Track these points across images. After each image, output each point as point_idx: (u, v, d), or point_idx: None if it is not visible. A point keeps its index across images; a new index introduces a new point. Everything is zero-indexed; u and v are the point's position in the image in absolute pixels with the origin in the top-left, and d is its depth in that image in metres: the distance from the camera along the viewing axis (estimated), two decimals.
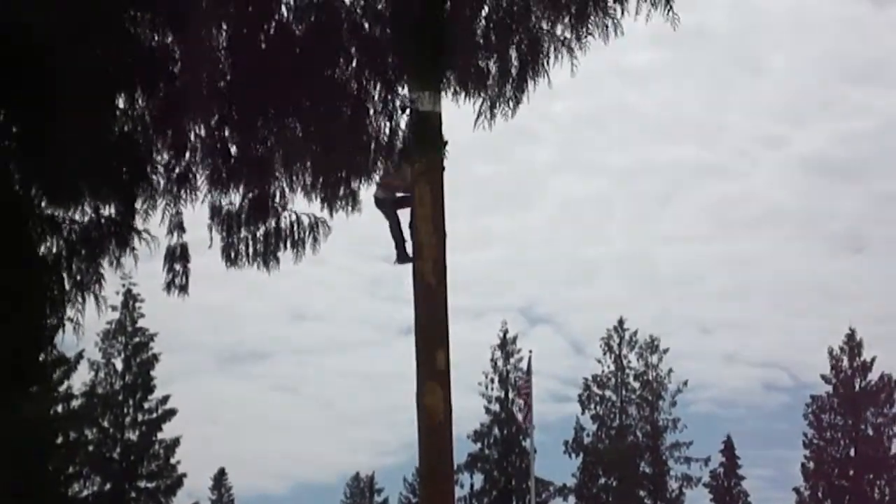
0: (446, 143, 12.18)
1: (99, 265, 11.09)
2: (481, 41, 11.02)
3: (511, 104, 11.29)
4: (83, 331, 11.02)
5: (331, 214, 11.67)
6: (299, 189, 11.53)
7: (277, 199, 11.63)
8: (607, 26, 11.10)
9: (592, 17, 11.04)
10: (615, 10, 11.06)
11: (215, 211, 11.56)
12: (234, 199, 11.56)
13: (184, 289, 11.79)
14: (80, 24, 9.23)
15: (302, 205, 11.69)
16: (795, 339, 79.56)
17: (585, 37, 11.11)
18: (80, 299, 10.99)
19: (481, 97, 11.25)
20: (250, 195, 11.57)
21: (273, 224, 11.67)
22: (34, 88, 9.70)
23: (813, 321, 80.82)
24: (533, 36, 11.06)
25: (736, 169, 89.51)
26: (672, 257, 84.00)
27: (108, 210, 11.04)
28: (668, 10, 10.99)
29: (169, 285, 11.79)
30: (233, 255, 11.69)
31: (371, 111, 11.09)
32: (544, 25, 11.11)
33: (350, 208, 11.70)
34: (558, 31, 11.15)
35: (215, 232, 11.64)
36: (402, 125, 11.23)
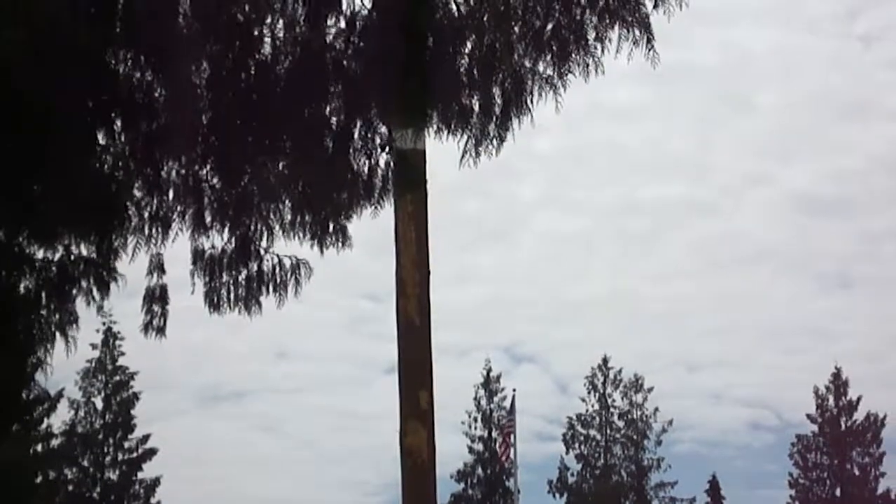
0: (427, 180, 12.15)
1: (75, 305, 11.01)
2: (464, 79, 10.99)
3: (495, 142, 11.26)
4: (52, 371, 10.93)
5: (321, 252, 11.63)
6: (285, 227, 11.48)
7: (260, 241, 11.58)
8: (588, 64, 11.10)
9: (574, 56, 11.04)
10: (596, 48, 11.07)
11: (197, 255, 11.50)
12: (216, 240, 11.50)
13: (161, 331, 11.71)
14: (60, 59, 9.17)
15: (291, 242, 11.65)
16: (782, 377, 79.46)
17: (567, 74, 11.11)
18: (58, 338, 10.92)
19: (465, 135, 11.22)
20: (232, 236, 11.51)
21: (255, 267, 11.60)
22: (12, 124, 9.63)
23: (799, 360, 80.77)
24: (516, 74, 11.04)
25: (723, 206, 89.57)
26: (658, 295, 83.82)
27: (87, 249, 10.97)
28: (650, 50, 11.01)
29: (147, 326, 11.71)
30: (215, 299, 11.62)
31: (354, 149, 11.05)
32: (527, 63, 11.09)
33: (340, 244, 11.66)
34: (541, 69, 11.14)
35: (197, 277, 11.57)
36: (386, 163, 11.19)
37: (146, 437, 52.49)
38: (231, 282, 11.64)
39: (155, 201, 11.21)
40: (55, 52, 8.92)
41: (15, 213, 10.49)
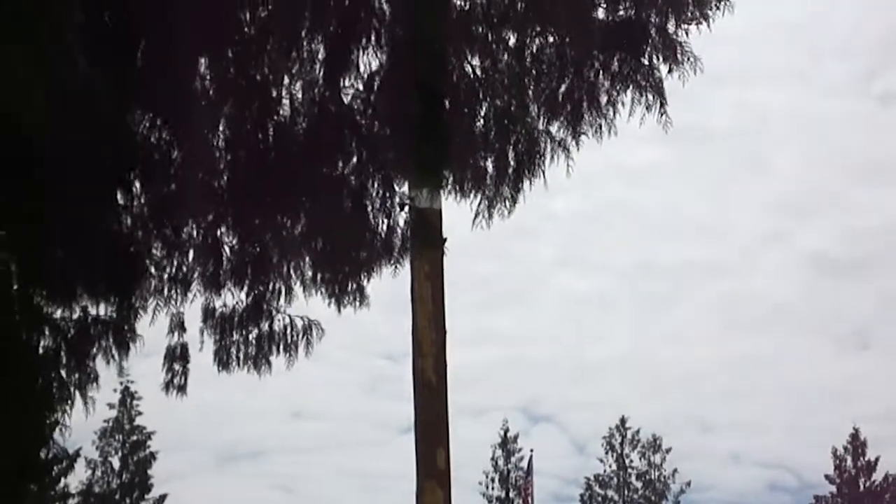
0: (445, 240, 12.20)
1: (94, 364, 11.04)
2: (479, 140, 11.06)
3: (508, 203, 11.31)
4: (81, 430, 10.95)
5: (339, 310, 11.65)
6: (306, 284, 11.52)
7: (278, 300, 11.61)
8: (601, 126, 11.15)
9: (587, 118, 11.09)
10: (609, 110, 11.12)
11: (208, 313, 11.54)
12: (229, 300, 11.54)
13: (182, 389, 11.74)
14: (78, 119, 9.25)
15: (310, 300, 11.68)
16: (800, 438, 78.97)
17: (579, 136, 11.16)
18: (76, 398, 10.95)
19: (479, 196, 11.27)
20: (248, 296, 11.55)
21: (266, 327, 11.63)
22: (31, 184, 9.70)
23: (817, 420, 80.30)
24: (530, 136, 11.10)
25: (740, 267, 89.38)
26: (675, 356, 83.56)
27: (105, 309, 11.01)
28: (662, 114, 11.06)
29: (168, 385, 11.73)
30: (225, 358, 11.64)
31: (371, 208, 11.10)
32: (540, 125, 11.15)
33: (358, 303, 11.68)
34: (554, 131, 11.20)
35: (207, 335, 11.61)
36: (403, 222, 11.24)
37: (163, 497, 52.45)
38: (241, 341, 11.66)
39: (174, 261, 11.26)
40: (75, 114, 9.00)
41: (34, 273, 10.54)
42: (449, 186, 11.30)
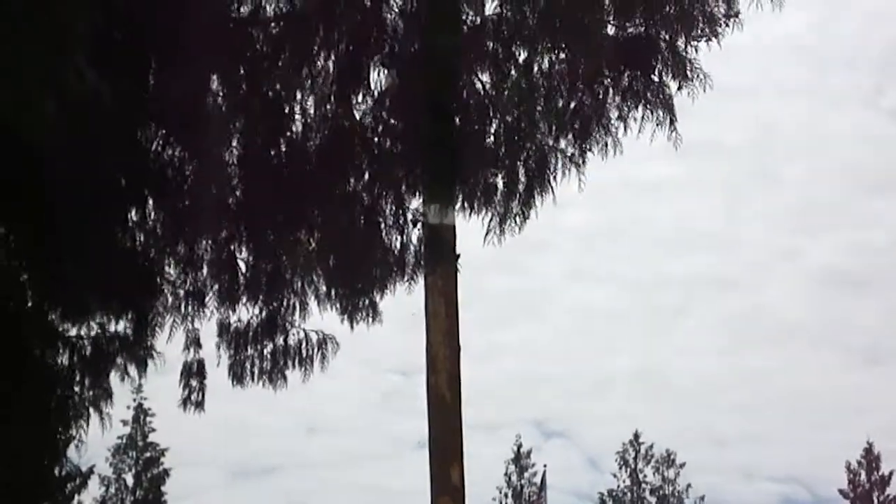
0: (458, 255, 12.19)
1: (108, 381, 11.06)
2: (489, 157, 11.06)
3: (518, 220, 11.30)
4: (95, 447, 10.97)
5: (351, 327, 11.64)
6: (321, 299, 11.52)
7: (290, 315, 11.61)
8: (608, 143, 11.16)
9: (595, 134, 11.09)
10: (617, 127, 11.12)
11: (223, 328, 11.54)
12: (244, 315, 11.54)
13: (200, 405, 11.74)
14: (91, 138, 9.29)
15: (322, 318, 11.68)
16: (813, 453, 78.70)
17: (587, 152, 11.16)
18: (89, 414, 10.96)
19: (489, 212, 11.27)
20: (262, 311, 11.55)
21: (281, 342, 11.62)
22: (46, 203, 9.73)
23: (830, 435, 79.96)
24: (539, 152, 11.10)
25: (750, 281, 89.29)
26: (687, 370, 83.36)
27: (119, 326, 11.04)
28: (672, 131, 11.06)
29: (185, 401, 11.73)
30: (239, 372, 11.64)
31: (384, 224, 11.11)
32: (550, 141, 11.14)
33: (371, 319, 11.67)
34: (563, 147, 11.19)
35: (222, 350, 11.60)
36: (416, 238, 11.24)
37: None
38: (256, 355, 11.65)
39: (187, 278, 11.27)
40: (88, 133, 9.03)
41: (48, 290, 10.57)
42: (460, 202, 11.30)
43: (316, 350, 11.68)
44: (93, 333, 10.97)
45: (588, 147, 11.14)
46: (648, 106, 11.03)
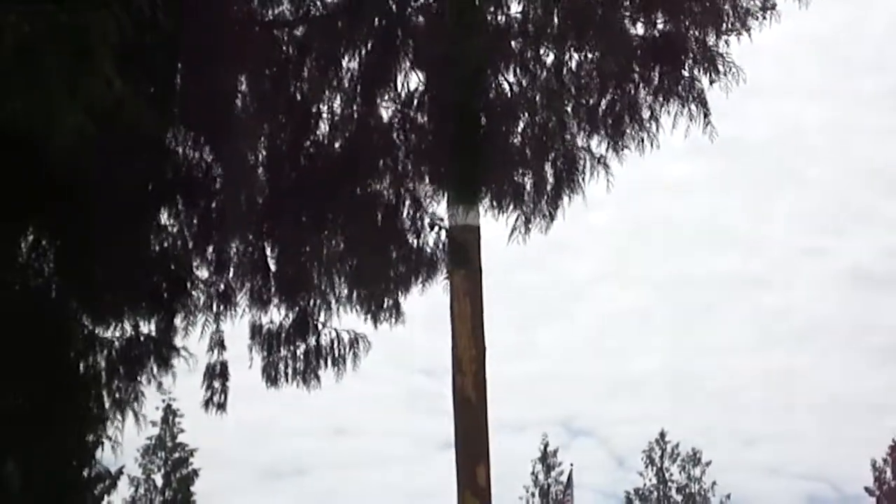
0: (480, 257, 12.20)
1: (138, 382, 11.11)
2: (517, 157, 11.07)
3: (546, 220, 11.30)
4: (124, 448, 11.03)
5: (375, 327, 11.67)
6: (341, 303, 11.55)
7: (318, 316, 11.64)
8: (643, 140, 11.13)
9: (629, 132, 11.08)
10: (651, 124, 11.10)
11: (255, 330, 11.57)
12: (274, 316, 11.58)
13: (222, 406, 11.77)
14: (119, 140, 9.35)
15: (345, 318, 11.70)
16: (839, 450, 78.56)
17: (622, 150, 11.15)
18: (120, 416, 11.02)
19: (516, 212, 11.27)
20: (291, 312, 11.58)
21: (313, 342, 11.64)
22: (75, 205, 9.79)
23: (856, 432, 79.85)
24: (568, 152, 11.10)
25: (777, 280, 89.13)
26: (714, 369, 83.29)
27: (148, 327, 11.08)
28: (707, 125, 11.01)
29: (207, 403, 11.77)
30: (273, 374, 11.66)
31: (409, 225, 11.15)
32: (580, 141, 11.15)
33: (394, 320, 11.69)
34: (594, 146, 11.19)
35: (255, 352, 11.64)
36: (440, 239, 11.27)
37: None
38: (289, 356, 11.68)
39: (216, 279, 11.32)
40: (116, 135, 9.10)
41: (77, 291, 10.63)
42: (486, 202, 11.31)
43: (348, 349, 11.70)
44: (126, 335, 11.02)
45: (623, 145, 11.13)
46: (680, 101, 11.01)
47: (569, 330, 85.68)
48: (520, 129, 11.10)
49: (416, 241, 11.13)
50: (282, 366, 11.66)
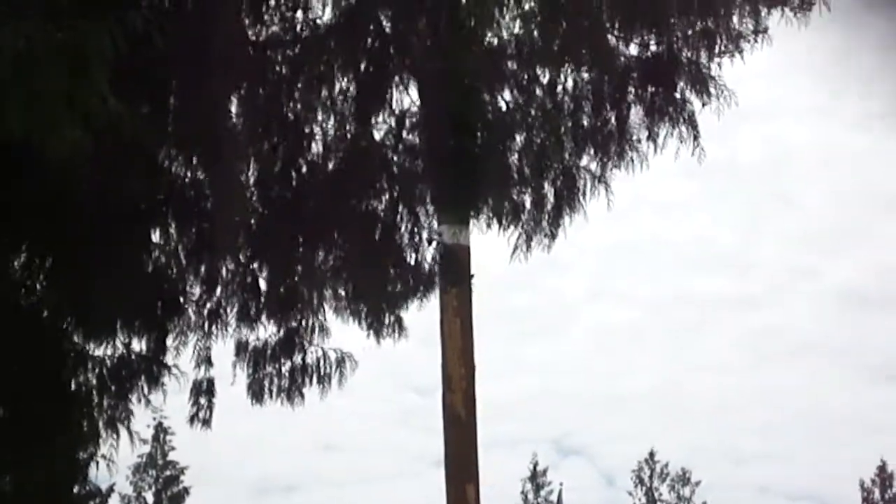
0: (472, 276, 12.23)
1: (130, 400, 11.13)
2: (515, 175, 11.11)
3: (547, 238, 11.35)
4: (115, 465, 11.04)
5: (378, 342, 11.71)
6: (332, 320, 11.59)
7: (312, 334, 11.67)
8: (633, 160, 11.19)
9: (619, 151, 11.13)
10: (642, 144, 11.16)
11: (241, 347, 11.61)
12: (262, 333, 11.61)
13: (207, 422, 11.79)
14: (112, 160, 9.38)
15: (337, 337, 11.74)
16: (828, 470, 78.40)
17: (612, 170, 11.21)
18: (111, 433, 11.03)
19: (517, 231, 11.32)
20: (280, 330, 11.62)
21: (299, 359, 11.68)
22: (68, 224, 9.81)
23: (845, 452, 79.77)
24: (566, 170, 11.15)
25: (769, 300, 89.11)
26: (704, 388, 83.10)
27: (140, 345, 11.10)
28: (696, 146, 11.08)
29: (192, 418, 11.80)
30: (258, 390, 11.70)
31: (400, 243, 11.18)
32: (576, 160, 11.19)
33: (397, 335, 11.74)
34: (587, 164, 11.24)
35: (240, 368, 11.68)
36: (431, 257, 11.31)
37: None
38: (274, 373, 11.71)
39: (208, 297, 11.35)
40: (110, 155, 9.13)
41: (68, 309, 10.66)
42: (484, 220, 11.36)
43: (334, 368, 11.74)
44: (117, 353, 11.04)
45: (613, 164, 11.18)
46: (671, 122, 11.07)
47: (560, 348, 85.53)
48: (516, 148, 11.14)
49: (413, 257, 11.17)
50: (266, 382, 11.69)
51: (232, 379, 11.70)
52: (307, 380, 11.71)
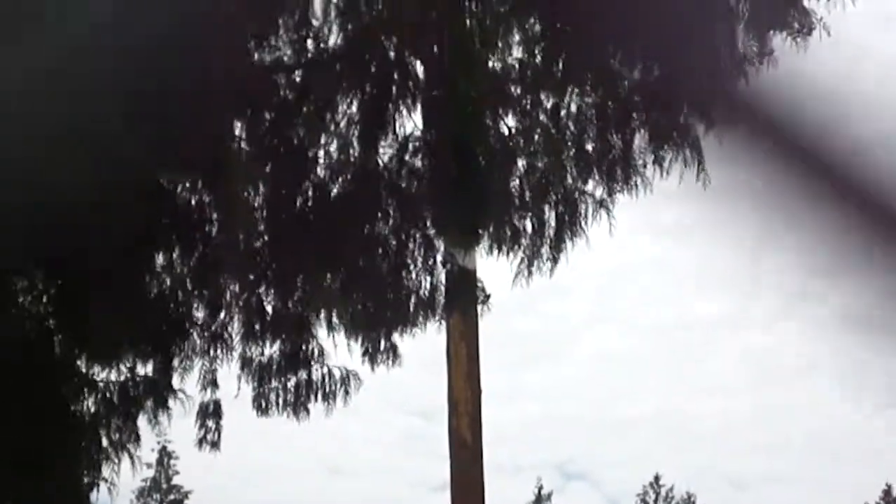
0: (489, 296, 12.19)
1: (134, 424, 11.11)
2: (517, 200, 11.11)
3: (549, 264, 11.34)
4: (118, 489, 11.01)
5: (372, 369, 11.70)
6: (338, 343, 11.59)
7: (313, 356, 11.67)
8: (637, 185, 11.19)
9: (624, 176, 11.12)
10: (646, 168, 11.14)
11: (246, 362, 11.61)
12: (266, 351, 11.62)
13: (215, 445, 11.79)
14: (116, 182, 9.38)
15: (341, 358, 11.74)
16: (832, 493, 78.41)
17: (615, 194, 11.20)
18: (116, 458, 11.01)
19: (518, 256, 11.31)
20: (284, 350, 11.62)
21: (304, 376, 11.68)
22: (72, 248, 9.80)
23: (850, 476, 79.72)
24: (568, 195, 11.15)
25: (771, 323, 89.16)
26: (708, 412, 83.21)
27: (145, 369, 11.09)
28: (701, 171, 11.06)
29: (201, 441, 11.79)
30: (263, 404, 11.69)
31: (406, 268, 11.17)
32: (579, 184, 11.19)
33: (391, 362, 11.72)
34: (592, 189, 11.23)
35: (244, 382, 11.68)
36: (438, 282, 11.29)
37: None
38: (280, 387, 11.71)
39: (214, 321, 11.35)
40: (113, 178, 9.12)
41: (73, 332, 10.64)
42: (486, 246, 11.35)
43: (339, 385, 11.73)
44: (121, 378, 11.03)
45: (617, 189, 11.18)
46: (676, 147, 11.05)
47: (563, 372, 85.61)
48: (519, 173, 11.14)
49: (420, 282, 11.17)
50: (272, 396, 11.68)
51: (237, 393, 11.70)
52: (312, 396, 11.71)
